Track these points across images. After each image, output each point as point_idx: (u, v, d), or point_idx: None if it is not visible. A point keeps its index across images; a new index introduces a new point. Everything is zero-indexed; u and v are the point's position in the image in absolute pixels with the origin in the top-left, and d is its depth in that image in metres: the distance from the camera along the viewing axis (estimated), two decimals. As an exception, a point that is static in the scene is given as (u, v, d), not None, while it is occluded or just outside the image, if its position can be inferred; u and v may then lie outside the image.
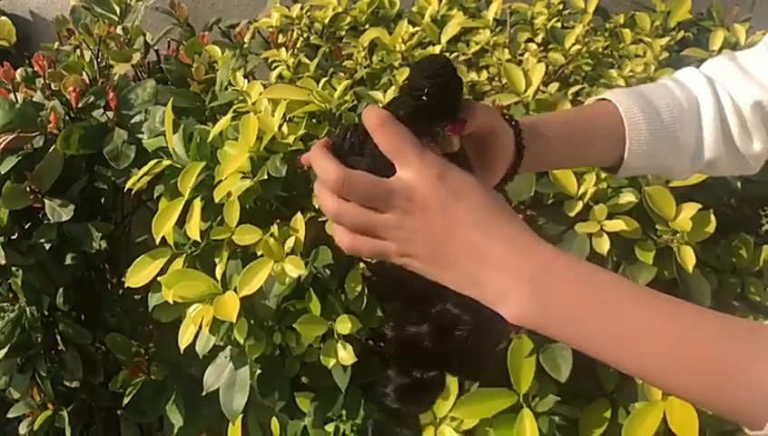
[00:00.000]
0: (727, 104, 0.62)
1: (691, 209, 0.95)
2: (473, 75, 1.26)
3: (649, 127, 0.60)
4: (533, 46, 1.33)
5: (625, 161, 0.61)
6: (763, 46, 0.65)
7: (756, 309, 1.03)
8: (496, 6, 1.41)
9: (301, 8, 1.48)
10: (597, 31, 1.46)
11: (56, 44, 1.58)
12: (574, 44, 1.31)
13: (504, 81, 1.17)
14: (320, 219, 1.04)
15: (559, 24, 1.42)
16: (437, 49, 1.34)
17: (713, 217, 0.97)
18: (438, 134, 0.49)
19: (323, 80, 1.18)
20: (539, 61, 1.20)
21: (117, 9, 1.58)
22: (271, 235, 1.00)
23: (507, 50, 1.30)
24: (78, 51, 1.50)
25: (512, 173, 0.57)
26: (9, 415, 1.51)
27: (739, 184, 1.11)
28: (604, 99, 0.63)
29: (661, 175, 0.66)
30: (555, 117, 0.61)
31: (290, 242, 0.99)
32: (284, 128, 1.07)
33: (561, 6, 1.47)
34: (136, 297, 1.42)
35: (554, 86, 1.19)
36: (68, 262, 1.35)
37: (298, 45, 1.42)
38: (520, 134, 0.56)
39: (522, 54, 1.30)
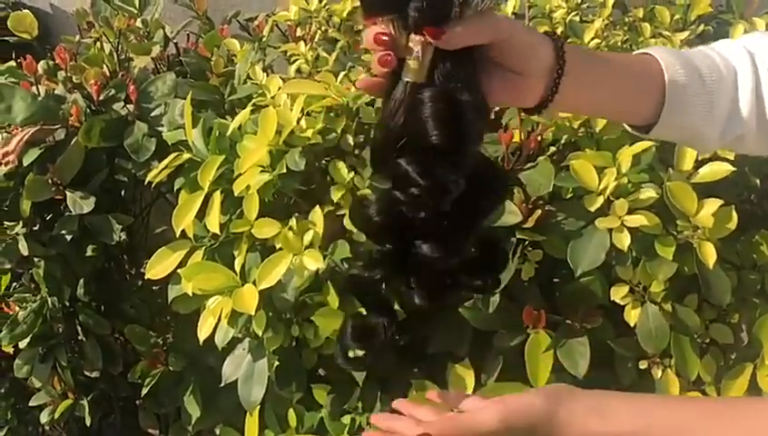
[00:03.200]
0: (765, 79, 0.60)
1: (712, 205, 0.94)
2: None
3: (689, 84, 0.59)
4: (552, 40, 1.32)
5: (663, 113, 0.59)
6: None
7: (776, 305, 1.02)
8: (514, 0, 1.40)
9: (320, 1, 1.48)
10: (617, 25, 1.44)
11: (77, 36, 1.59)
12: (593, 39, 1.30)
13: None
14: (338, 213, 1.04)
15: (578, 18, 1.40)
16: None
17: (734, 213, 0.96)
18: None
19: (342, 74, 1.18)
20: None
21: (136, 2, 1.59)
22: (290, 229, 1.00)
23: (525, 44, 1.29)
24: (98, 44, 1.51)
25: (550, 96, 0.55)
26: (31, 404, 1.54)
27: (758, 181, 1.10)
28: (644, 54, 0.61)
29: (688, 142, 0.65)
30: (597, 53, 0.59)
31: (308, 236, 0.99)
32: (302, 122, 1.07)
33: (580, 0, 1.46)
34: (154, 288, 1.44)
35: (573, 81, 1.18)
36: (89, 253, 1.37)
37: (316, 39, 1.43)
38: (562, 51, 0.54)
39: (541, 48, 1.29)
